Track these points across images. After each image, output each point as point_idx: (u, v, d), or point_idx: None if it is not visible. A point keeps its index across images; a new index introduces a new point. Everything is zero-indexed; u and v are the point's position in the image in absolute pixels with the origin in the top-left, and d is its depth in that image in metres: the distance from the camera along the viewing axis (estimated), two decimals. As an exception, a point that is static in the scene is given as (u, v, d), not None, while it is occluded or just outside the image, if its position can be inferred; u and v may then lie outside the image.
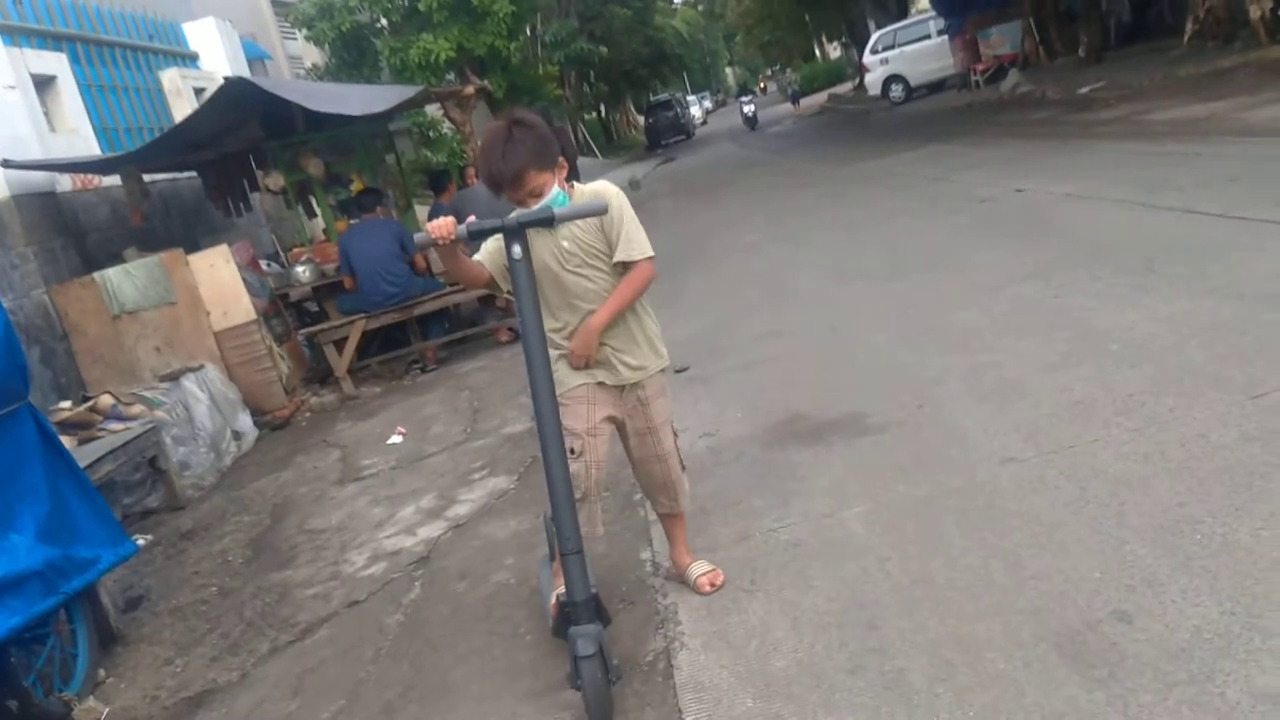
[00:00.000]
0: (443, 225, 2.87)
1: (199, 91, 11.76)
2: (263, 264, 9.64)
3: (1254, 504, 2.92)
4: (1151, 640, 2.47)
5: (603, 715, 2.73)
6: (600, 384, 3.17)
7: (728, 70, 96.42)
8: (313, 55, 19.34)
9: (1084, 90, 15.45)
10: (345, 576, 4.58)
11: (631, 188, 22.78)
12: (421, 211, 11.33)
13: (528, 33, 23.37)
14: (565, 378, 3.12)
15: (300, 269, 9.09)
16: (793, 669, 2.78)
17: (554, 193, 3.03)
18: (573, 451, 3.04)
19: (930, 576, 3.04)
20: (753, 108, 38.00)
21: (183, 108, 11.21)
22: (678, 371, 6.17)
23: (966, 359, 4.91)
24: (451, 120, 15.46)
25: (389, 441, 6.63)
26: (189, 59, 12.75)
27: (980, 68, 22.46)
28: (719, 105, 79.36)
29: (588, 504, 3.13)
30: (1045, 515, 3.20)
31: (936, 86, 25.89)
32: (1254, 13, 13.07)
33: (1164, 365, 4.13)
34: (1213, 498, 3.02)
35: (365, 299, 8.41)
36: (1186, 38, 15.40)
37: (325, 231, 10.38)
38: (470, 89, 11.49)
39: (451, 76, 17.83)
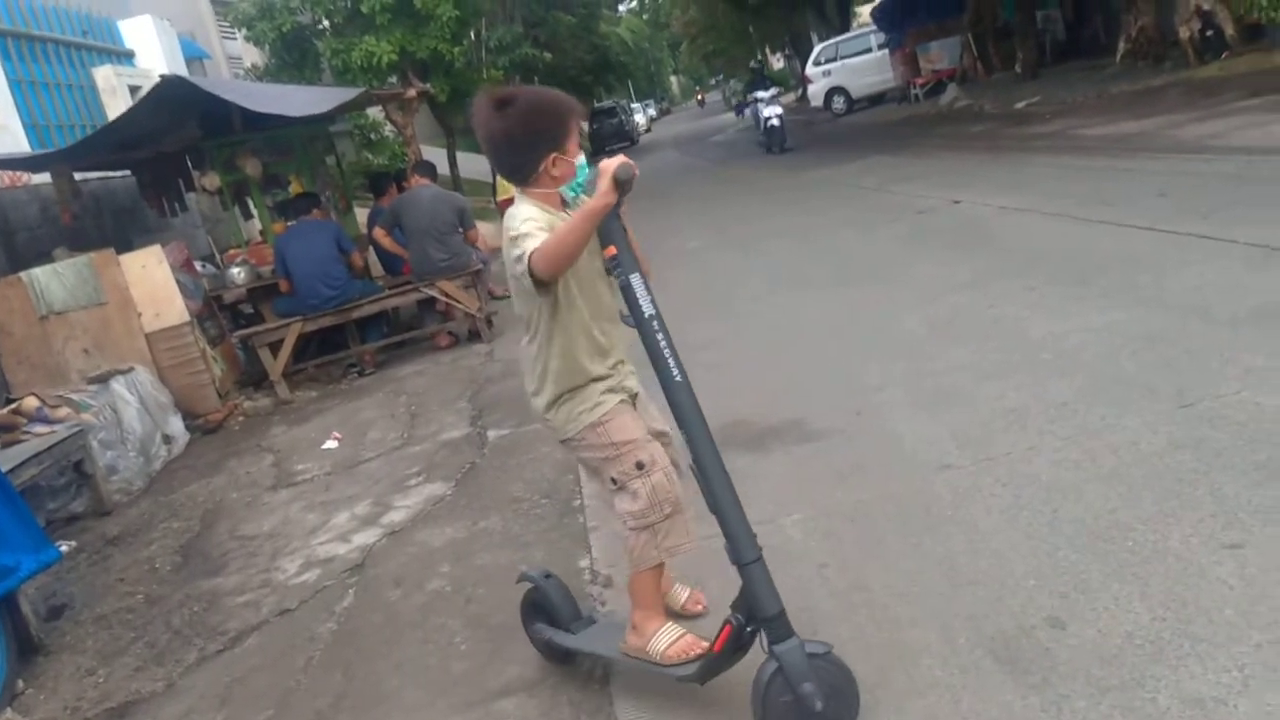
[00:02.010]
0: (632, 164, 2.39)
1: (134, 90, 11.52)
2: (197, 265, 9.44)
3: (1183, 511, 2.97)
4: (1084, 646, 2.50)
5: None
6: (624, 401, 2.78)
7: (672, 79, 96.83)
8: (253, 55, 19.03)
9: (1020, 105, 15.75)
10: (277, 584, 4.48)
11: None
12: (361, 214, 11.20)
13: (472, 37, 23.17)
14: (605, 399, 2.69)
15: (236, 270, 8.94)
16: (731, 677, 2.77)
17: (581, 160, 2.63)
18: (640, 466, 2.62)
19: (867, 583, 3.05)
20: (778, 111, 19.32)
21: (117, 106, 10.98)
22: (619, 378, 6.15)
23: (905, 367, 4.95)
24: (393, 123, 15.30)
25: (324, 446, 6.52)
26: (125, 56, 12.49)
27: (920, 81, 22.83)
28: (663, 113, 79.57)
29: (681, 515, 2.69)
30: (981, 522, 3.23)
31: (877, 99, 26.21)
32: (1184, 34, 13.44)
33: (1095, 374, 4.20)
34: (1143, 505, 3.07)
35: (302, 301, 8.27)
36: (1119, 56, 15.79)
37: (262, 233, 10.21)
38: (413, 92, 11.38)
39: (394, 79, 17.66)
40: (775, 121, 18.86)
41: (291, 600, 4.25)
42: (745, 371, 5.70)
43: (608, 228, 2.43)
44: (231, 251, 10.06)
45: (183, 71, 12.89)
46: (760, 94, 19.92)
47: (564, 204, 2.65)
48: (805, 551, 3.35)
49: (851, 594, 3.01)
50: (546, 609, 3.00)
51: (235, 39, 18.70)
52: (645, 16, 66.77)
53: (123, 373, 7.10)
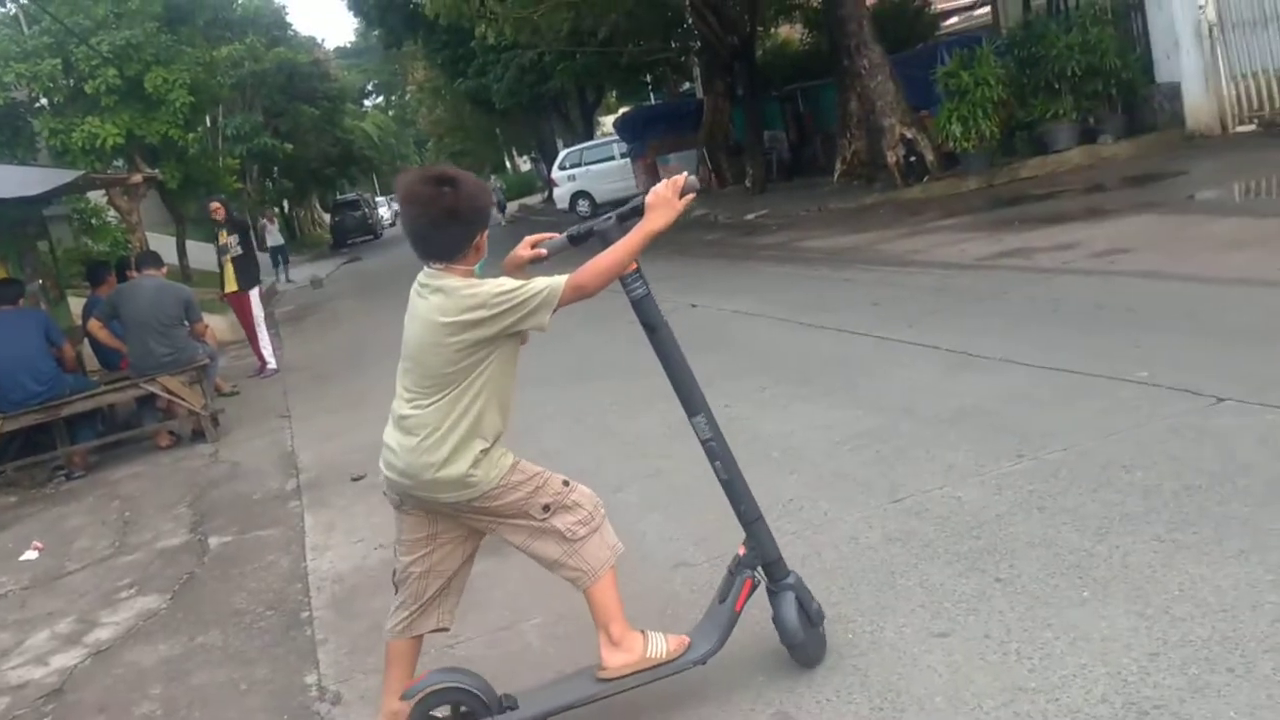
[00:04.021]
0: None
1: None
2: (-126, 357, 8.43)
3: (897, 602, 3.17)
4: (809, 738, 2.59)
5: (819, 655, 2.92)
6: None
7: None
8: (-42, 130, 17.53)
9: (750, 216, 16.76)
10: (-45, 718, 3.98)
11: (313, 286, 22.11)
12: (76, 304, 10.41)
13: (207, 123, 22.39)
14: (506, 450, 2.86)
15: (-79, 364, 8.04)
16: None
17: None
18: (566, 483, 2.92)
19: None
20: None
21: None
22: (354, 480, 5.96)
23: (644, 465, 5.06)
24: (117, 208, 14.45)
25: (22, 558, 5.91)
26: None
27: (660, 190, 23.91)
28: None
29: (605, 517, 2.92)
30: (714, 619, 3.31)
31: (620, 204, 27.07)
32: (891, 158, 14.81)
33: (819, 471, 4.45)
34: (861, 597, 3.25)
35: (3, 397, 7.53)
36: (836, 176, 17.19)
37: (-43, 323, 9.25)
38: (138, 177, 10.84)
39: (120, 163, 16.73)
40: None
41: (-28, 736, 3.78)
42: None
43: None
44: (-83, 342, 9.05)
45: None
46: None
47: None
48: (545, 658, 3.32)
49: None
50: (473, 704, 2.75)
51: (-62, 113, 17.20)
52: (392, 113, 66.76)
53: None
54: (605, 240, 2.83)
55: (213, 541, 5.53)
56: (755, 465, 4.64)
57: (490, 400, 2.73)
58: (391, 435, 2.75)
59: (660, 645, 2.81)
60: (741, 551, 2.92)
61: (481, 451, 2.71)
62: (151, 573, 5.23)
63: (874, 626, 3.06)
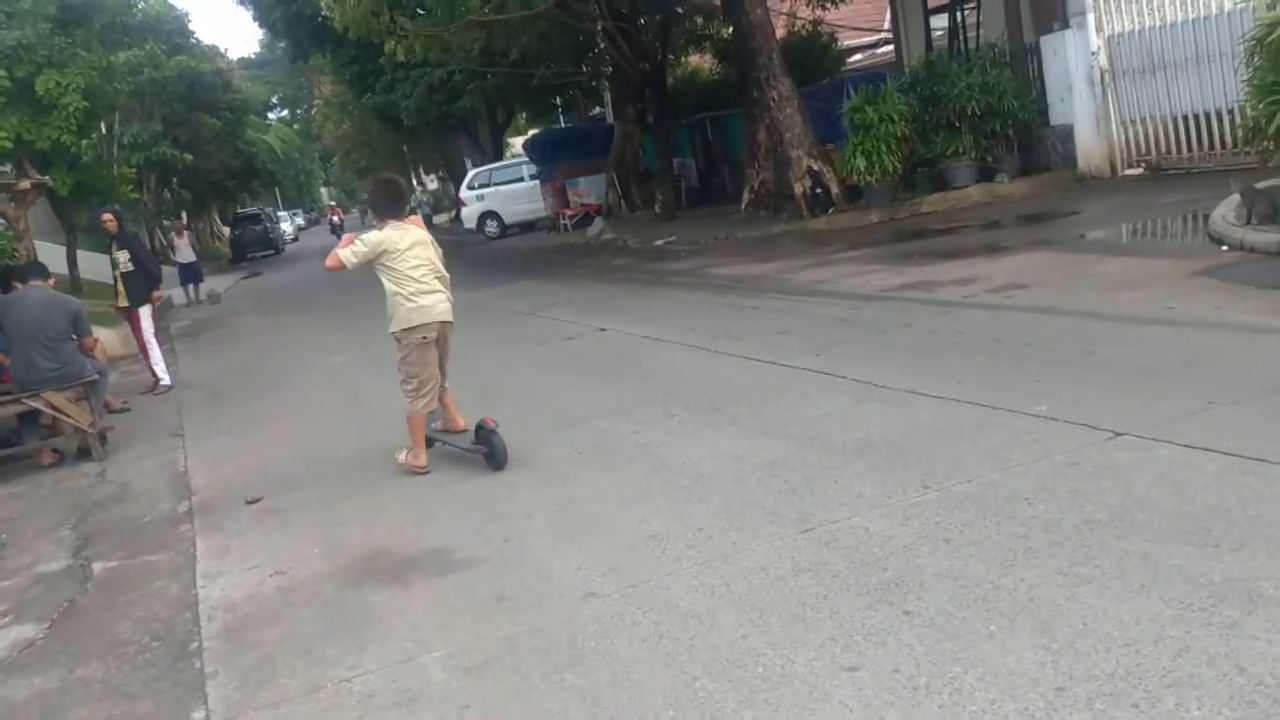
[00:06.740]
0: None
1: None
2: None
3: (807, 635, 3.14)
4: (720, 776, 2.54)
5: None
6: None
7: (323, 190, 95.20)
8: None
9: (659, 242, 16.85)
10: None
11: (210, 301, 21.45)
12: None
13: (102, 130, 21.62)
14: None
15: None
16: None
17: None
18: None
19: (511, 723, 2.96)
20: None
21: None
22: (249, 503, 5.75)
23: (553, 492, 4.98)
24: (3, 215, 13.84)
25: (-117, 585, 5.54)
26: None
27: (569, 213, 23.98)
28: (312, 223, 77.88)
29: None
30: (623, 652, 3.25)
31: (529, 226, 27.14)
32: (797, 189, 15.04)
33: (728, 500, 4.43)
34: (771, 629, 3.22)
35: None
36: (743, 205, 17.41)
37: None
38: (26, 183, 10.39)
39: (8, 168, 16.07)
40: None
41: None
42: (389, 495, 5.51)
43: None
44: None
45: None
46: None
47: None
48: (447, 693, 3.20)
49: (494, 735, 2.91)
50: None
51: None
52: (297, 126, 65.53)
53: None
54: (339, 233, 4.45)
55: (96, 567, 5.26)
56: (665, 493, 4.64)
57: None
58: (435, 298, 5.89)
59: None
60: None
61: None
62: (29, 600, 4.94)
63: (784, 660, 3.02)
